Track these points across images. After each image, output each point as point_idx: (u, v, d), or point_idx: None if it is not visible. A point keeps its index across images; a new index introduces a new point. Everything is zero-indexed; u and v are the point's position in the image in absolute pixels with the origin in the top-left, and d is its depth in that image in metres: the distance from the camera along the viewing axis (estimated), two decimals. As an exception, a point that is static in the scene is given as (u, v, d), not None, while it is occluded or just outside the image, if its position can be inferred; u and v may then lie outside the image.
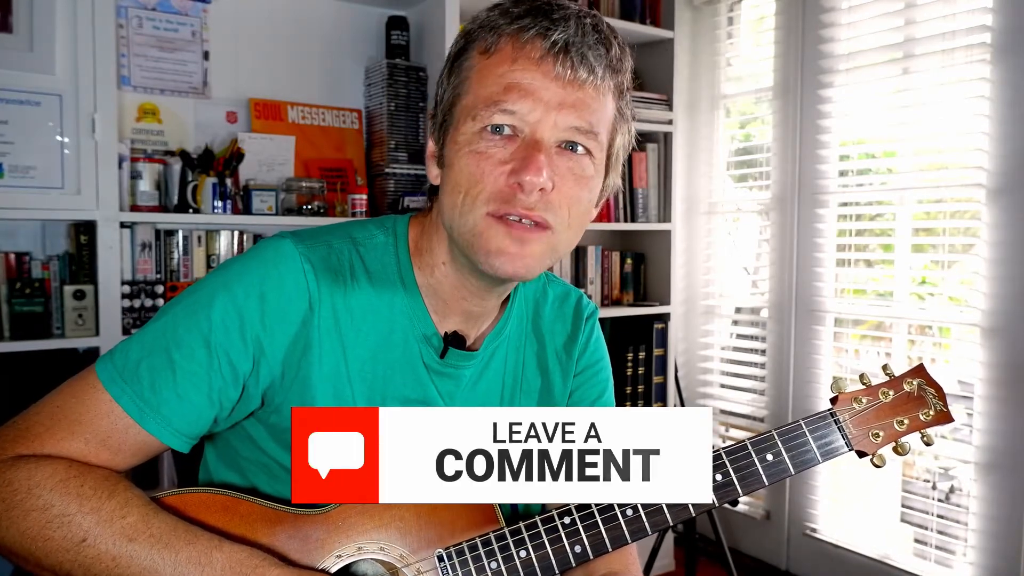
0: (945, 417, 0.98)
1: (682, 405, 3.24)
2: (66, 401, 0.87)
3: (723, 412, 3.38)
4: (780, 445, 0.93)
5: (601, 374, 1.14)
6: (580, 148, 0.88)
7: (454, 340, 0.97)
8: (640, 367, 3.04)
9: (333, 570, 0.89)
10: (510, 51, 0.86)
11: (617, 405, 3.10)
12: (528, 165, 0.83)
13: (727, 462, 0.92)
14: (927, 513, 2.64)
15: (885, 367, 1.01)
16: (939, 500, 2.61)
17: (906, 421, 0.97)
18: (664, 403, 3.11)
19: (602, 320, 2.99)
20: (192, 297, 0.90)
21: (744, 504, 3.23)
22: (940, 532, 2.61)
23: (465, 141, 0.87)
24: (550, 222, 0.87)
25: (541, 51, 0.84)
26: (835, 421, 0.95)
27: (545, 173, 0.84)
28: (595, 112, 0.87)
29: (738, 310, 3.37)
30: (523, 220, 0.86)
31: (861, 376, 1.00)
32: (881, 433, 0.96)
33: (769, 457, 0.93)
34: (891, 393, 0.98)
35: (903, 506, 2.73)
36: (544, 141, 0.85)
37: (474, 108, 0.86)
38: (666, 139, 3.12)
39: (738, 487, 0.92)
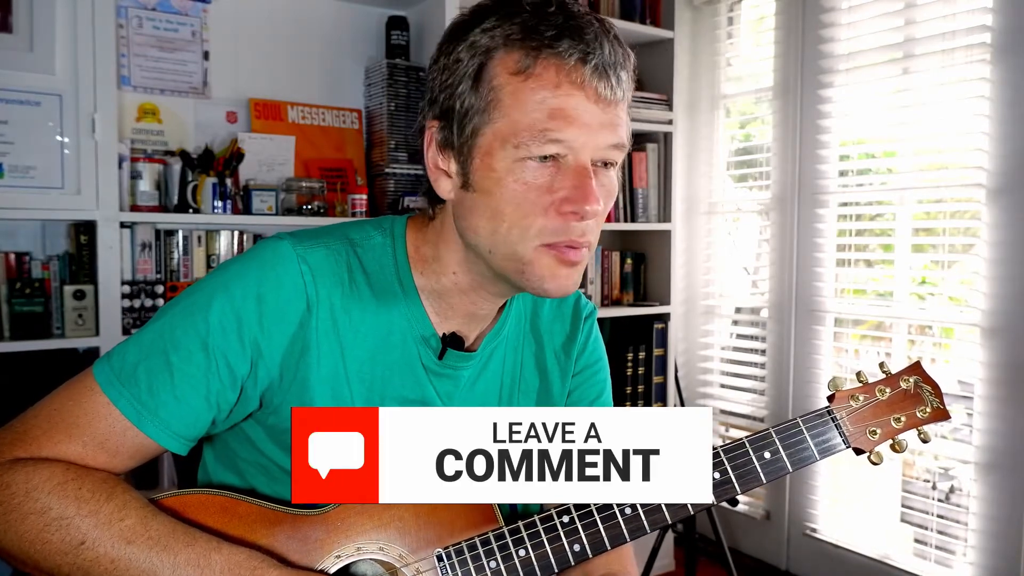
0: (942, 414, 0.98)
1: (682, 405, 3.24)
2: (64, 404, 0.86)
3: (723, 412, 3.38)
4: (778, 443, 0.93)
5: (600, 374, 1.13)
6: (611, 163, 0.88)
7: (452, 341, 0.97)
8: (640, 367, 3.04)
9: (332, 570, 0.89)
10: (552, 76, 0.83)
11: (617, 405, 3.11)
12: (587, 195, 0.83)
13: (725, 460, 0.92)
14: (927, 513, 2.64)
15: (882, 364, 1.01)
16: (939, 500, 2.61)
17: (903, 418, 0.97)
18: (664, 403, 3.11)
19: (602, 320, 3.00)
20: (190, 299, 0.90)
21: (744, 504, 3.23)
22: (940, 532, 2.61)
23: (505, 169, 0.84)
24: (593, 237, 0.88)
25: (584, 76, 0.82)
26: (832, 419, 0.96)
27: (600, 199, 0.85)
28: (624, 126, 0.88)
29: (738, 310, 3.37)
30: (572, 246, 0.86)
31: (858, 374, 1.00)
32: (878, 430, 0.96)
33: (767, 455, 0.93)
34: (888, 391, 0.98)
35: (903, 506, 2.73)
36: (589, 165, 0.85)
37: (514, 135, 0.83)
38: (666, 139, 3.12)
39: (736, 485, 0.92)
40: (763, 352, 3.18)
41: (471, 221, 0.88)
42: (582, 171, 0.84)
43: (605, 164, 0.88)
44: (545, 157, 0.83)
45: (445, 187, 0.90)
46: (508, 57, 0.84)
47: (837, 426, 0.95)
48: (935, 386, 0.99)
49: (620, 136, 0.87)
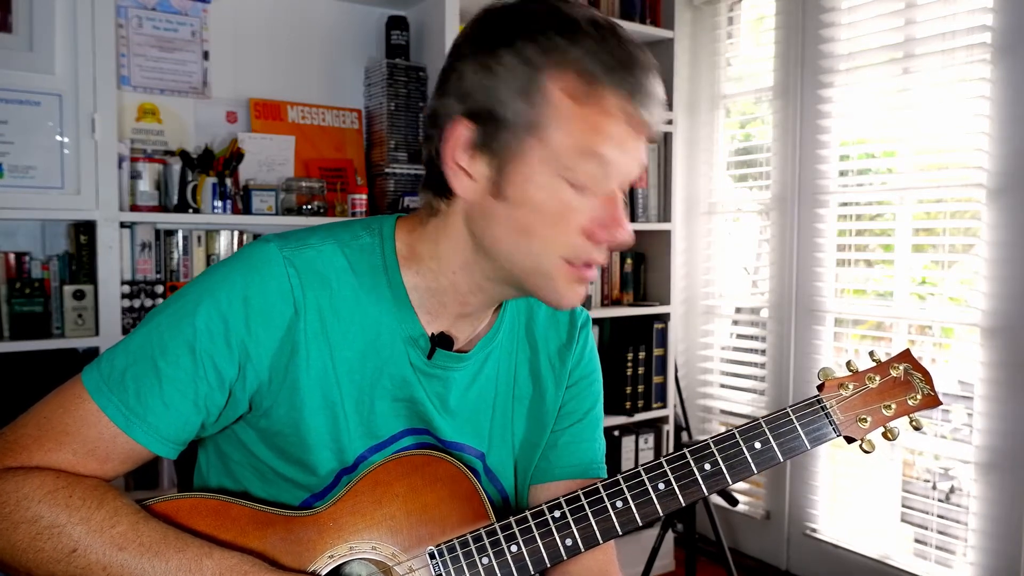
0: (933, 401, 0.98)
1: (682, 405, 3.24)
2: (53, 412, 0.87)
3: (723, 412, 3.38)
4: (768, 433, 0.93)
5: (594, 386, 1.13)
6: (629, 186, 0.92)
7: (441, 341, 0.96)
8: (640, 367, 3.04)
9: (325, 571, 0.89)
10: (608, 107, 0.84)
11: (617, 405, 3.09)
12: (619, 222, 0.88)
13: (715, 451, 0.92)
14: (927, 513, 2.64)
15: (872, 353, 1.01)
16: (939, 500, 2.61)
17: (893, 406, 0.97)
18: (664, 403, 3.11)
19: (602, 320, 3.00)
20: (177, 304, 0.90)
21: (744, 504, 3.23)
22: (940, 532, 2.61)
23: (544, 186, 0.85)
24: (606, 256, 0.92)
25: (634, 109, 0.85)
26: (822, 408, 0.95)
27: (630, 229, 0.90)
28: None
29: (738, 310, 3.37)
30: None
31: (848, 363, 1.00)
32: (869, 418, 0.96)
33: (757, 445, 0.93)
34: (877, 378, 0.98)
35: (903, 506, 2.73)
36: (621, 193, 0.89)
37: (562, 156, 0.84)
38: (666, 139, 3.12)
39: (727, 476, 0.92)
40: (763, 352, 3.18)
41: (494, 230, 0.88)
42: (616, 198, 0.88)
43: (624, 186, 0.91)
44: (584, 182, 0.86)
45: (464, 186, 0.89)
46: (564, 77, 0.84)
47: (827, 415, 0.95)
48: (925, 373, 0.99)
49: (645, 163, 0.91)
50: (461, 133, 0.87)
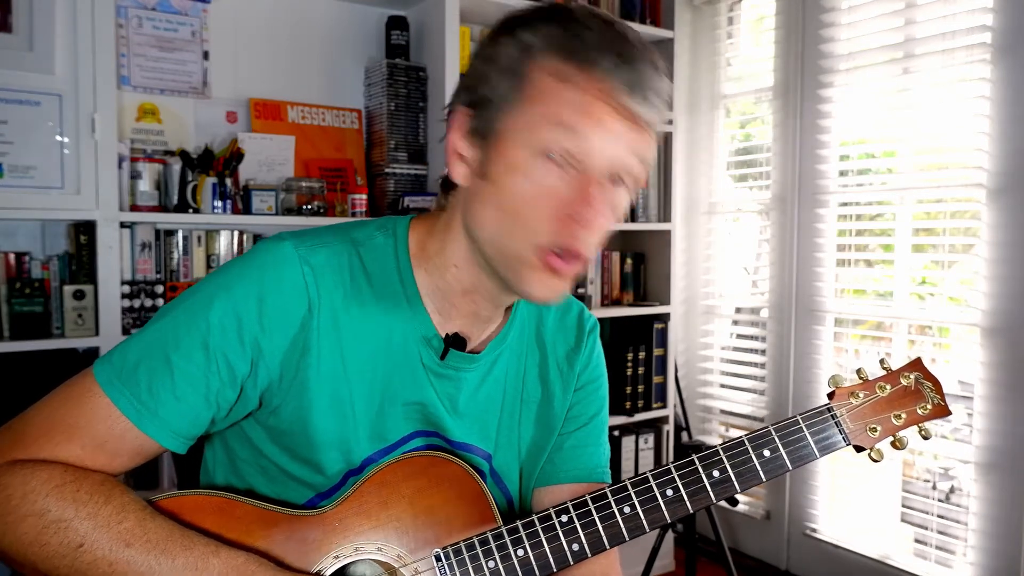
0: (943, 411, 0.98)
1: (682, 405, 3.24)
2: (63, 405, 0.86)
3: (723, 412, 3.38)
4: (777, 441, 0.93)
5: (601, 390, 1.13)
6: (624, 182, 0.88)
7: (455, 342, 0.96)
8: (640, 367, 3.04)
9: (330, 571, 0.89)
10: (588, 86, 0.83)
11: (617, 405, 3.09)
12: (592, 204, 0.84)
13: (724, 459, 0.92)
14: (927, 513, 2.64)
15: (882, 361, 1.01)
16: (939, 500, 2.61)
17: (903, 415, 0.97)
18: (664, 403, 3.11)
19: (602, 320, 2.99)
20: (191, 299, 0.90)
21: (744, 504, 3.23)
22: (940, 532, 2.61)
23: (519, 163, 0.84)
24: (588, 251, 0.88)
25: (618, 93, 0.83)
26: (832, 416, 0.95)
27: (603, 216, 0.86)
28: (650, 153, 0.88)
29: (738, 310, 3.37)
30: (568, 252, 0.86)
31: (858, 371, 0.99)
32: (879, 427, 0.96)
33: (766, 453, 0.92)
34: (888, 387, 0.98)
35: (903, 506, 2.73)
36: (603, 178, 0.85)
37: (536, 128, 0.84)
38: (666, 139, 3.11)
39: (736, 483, 0.92)
40: (763, 352, 3.18)
41: (479, 212, 0.88)
42: (593, 181, 0.85)
43: (619, 181, 0.87)
44: (562, 157, 0.84)
45: (461, 172, 0.90)
46: (547, 59, 0.85)
47: (837, 424, 0.95)
48: (936, 382, 0.99)
49: (642, 161, 0.87)
50: (461, 121, 0.90)
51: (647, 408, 3.06)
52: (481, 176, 0.88)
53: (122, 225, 2.19)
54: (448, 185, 0.94)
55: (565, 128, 0.83)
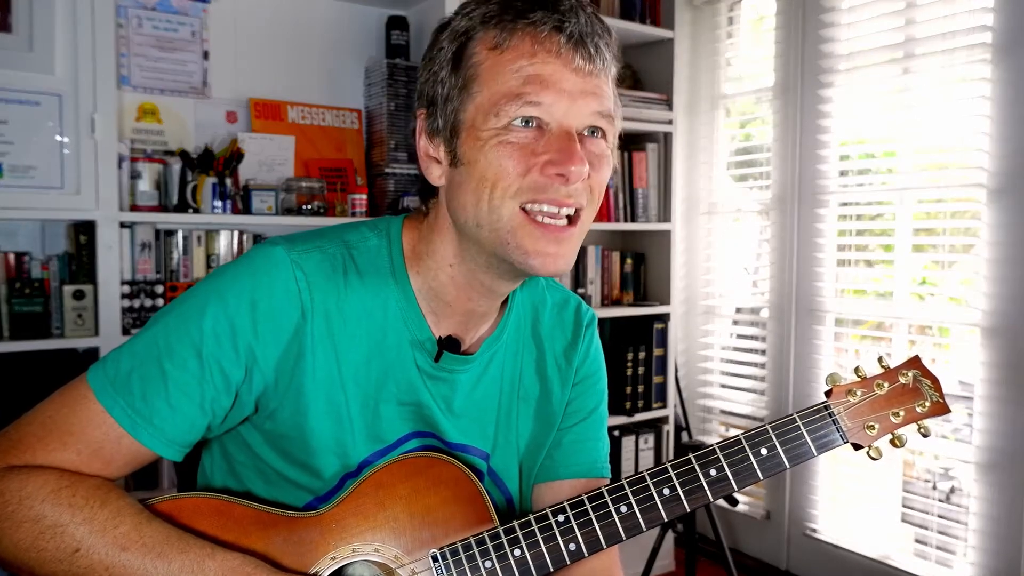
0: (941, 408, 0.97)
1: (682, 405, 3.23)
2: (58, 411, 0.86)
3: (723, 412, 3.38)
4: (775, 439, 0.93)
5: (599, 384, 1.13)
6: (599, 132, 0.89)
7: (448, 344, 0.96)
8: (640, 367, 3.04)
9: (327, 572, 0.89)
10: (528, 46, 0.85)
11: (617, 405, 3.09)
12: (571, 156, 0.84)
13: (721, 457, 0.92)
14: (927, 513, 2.64)
15: (880, 359, 1.00)
16: (939, 500, 2.61)
17: (902, 413, 0.96)
18: (664, 403, 3.11)
19: (602, 320, 2.99)
20: (183, 306, 0.90)
21: (744, 504, 3.23)
22: (940, 532, 2.61)
23: (489, 136, 0.86)
24: (583, 205, 0.88)
25: (559, 44, 0.85)
26: (829, 414, 0.95)
27: (585, 162, 0.86)
28: (608, 97, 0.89)
29: (738, 310, 3.36)
30: (560, 211, 0.87)
31: (856, 369, 0.99)
32: (876, 425, 0.95)
33: (763, 451, 0.92)
34: (886, 385, 0.97)
35: (903, 506, 2.73)
36: (574, 130, 0.86)
37: (494, 104, 0.85)
38: (666, 139, 3.11)
39: (732, 481, 0.91)
40: (763, 352, 3.18)
41: (460, 198, 0.89)
42: (565, 135, 0.86)
43: (593, 132, 0.89)
44: (527, 121, 0.85)
45: (435, 173, 0.92)
46: (486, 35, 0.87)
47: (834, 421, 0.95)
48: (934, 380, 0.98)
49: (604, 105, 0.88)
50: (420, 125, 0.93)
51: (647, 408, 3.06)
52: (454, 164, 0.90)
53: (122, 225, 2.19)
54: (427, 191, 0.96)
55: (518, 97, 0.84)
